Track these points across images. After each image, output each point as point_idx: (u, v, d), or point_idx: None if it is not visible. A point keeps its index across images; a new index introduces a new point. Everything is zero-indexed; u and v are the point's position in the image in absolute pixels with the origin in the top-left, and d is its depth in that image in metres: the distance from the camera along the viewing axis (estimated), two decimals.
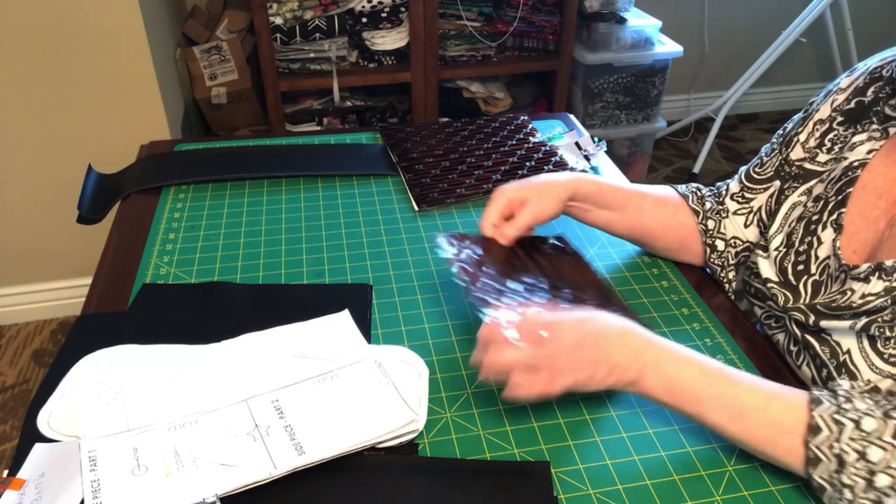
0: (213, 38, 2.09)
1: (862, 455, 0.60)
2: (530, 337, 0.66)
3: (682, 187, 0.96)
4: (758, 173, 0.90)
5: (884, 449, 0.59)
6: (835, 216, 0.77)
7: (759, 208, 0.90)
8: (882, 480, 0.59)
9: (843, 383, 0.66)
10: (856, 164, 0.78)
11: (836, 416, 0.61)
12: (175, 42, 2.06)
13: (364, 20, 2.06)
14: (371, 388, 0.74)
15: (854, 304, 0.71)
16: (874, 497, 0.59)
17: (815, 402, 0.63)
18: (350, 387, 0.75)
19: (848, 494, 0.60)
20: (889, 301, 0.68)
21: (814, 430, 0.62)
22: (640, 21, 2.30)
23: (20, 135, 1.75)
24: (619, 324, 0.68)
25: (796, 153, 0.86)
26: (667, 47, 2.33)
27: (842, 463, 0.60)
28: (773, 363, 0.81)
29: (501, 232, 0.86)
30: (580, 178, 0.89)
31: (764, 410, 0.64)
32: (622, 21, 2.26)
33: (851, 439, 0.60)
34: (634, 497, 0.66)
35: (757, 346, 0.84)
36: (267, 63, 2.01)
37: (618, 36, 2.26)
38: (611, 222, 0.92)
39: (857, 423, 0.61)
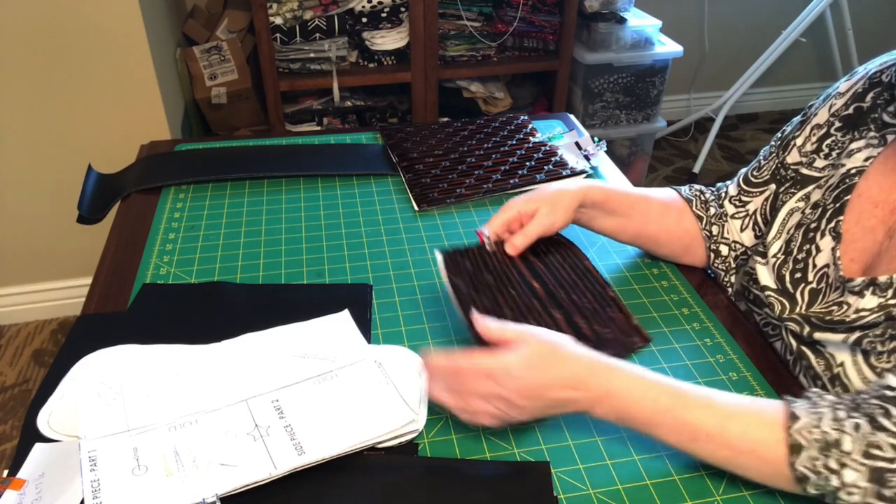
0: (213, 38, 2.09)
1: (837, 443, 0.60)
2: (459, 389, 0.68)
3: (685, 190, 0.96)
4: (755, 177, 0.90)
5: (852, 440, 0.60)
6: (833, 224, 0.77)
7: (755, 212, 0.89)
8: (849, 476, 0.59)
9: (814, 392, 0.66)
10: (853, 171, 0.77)
11: (813, 409, 0.63)
12: (175, 42, 2.06)
13: (364, 20, 2.05)
14: (371, 388, 0.74)
15: (848, 319, 0.71)
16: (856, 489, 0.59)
17: (791, 401, 0.65)
18: (350, 387, 0.75)
19: (835, 481, 0.60)
20: (882, 317, 0.68)
21: (793, 417, 0.62)
22: (640, 21, 2.30)
23: (20, 135, 1.75)
24: (567, 360, 0.67)
25: (792, 157, 0.85)
26: (667, 47, 2.33)
27: (826, 446, 0.60)
28: (772, 364, 0.81)
29: (512, 243, 0.85)
30: (590, 186, 0.88)
31: (720, 433, 0.64)
32: (622, 21, 2.26)
33: (830, 427, 0.61)
34: (634, 497, 0.66)
35: (757, 347, 0.84)
36: (267, 63, 2.01)
37: (618, 36, 2.26)
38: (616, 229, 0.92)
39: (833, 413, 0.62)
